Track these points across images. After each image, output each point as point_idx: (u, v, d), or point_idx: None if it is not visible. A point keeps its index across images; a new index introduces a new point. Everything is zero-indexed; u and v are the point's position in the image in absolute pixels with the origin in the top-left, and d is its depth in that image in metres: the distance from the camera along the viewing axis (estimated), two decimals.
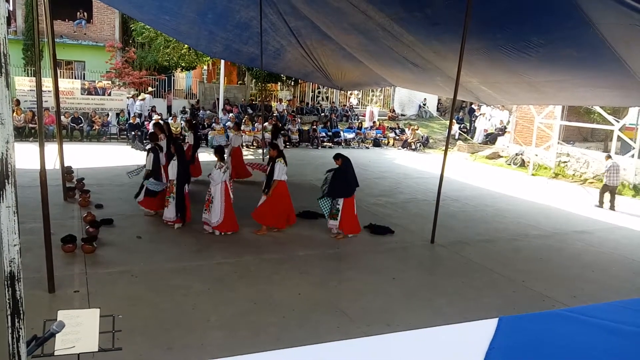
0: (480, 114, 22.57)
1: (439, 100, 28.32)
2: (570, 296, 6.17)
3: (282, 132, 13.01)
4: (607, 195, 11.73)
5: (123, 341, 2.83)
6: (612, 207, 11.58)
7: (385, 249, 7.66)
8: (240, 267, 6.45)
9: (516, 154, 17.94)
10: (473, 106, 23.99)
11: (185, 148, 10.12)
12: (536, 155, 16.87)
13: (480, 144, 21.13)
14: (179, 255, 6.73)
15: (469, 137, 22.24)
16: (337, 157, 8.13)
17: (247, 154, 17.31)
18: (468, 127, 23.49)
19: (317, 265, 6.68)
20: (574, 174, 15.74)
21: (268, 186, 7.89)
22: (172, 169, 7.98)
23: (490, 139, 21.11)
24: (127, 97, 19.64)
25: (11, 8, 21.70)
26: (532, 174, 16.33)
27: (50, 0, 8.20)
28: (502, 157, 18.99)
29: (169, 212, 7.97)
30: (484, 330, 2.16)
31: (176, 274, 6.05)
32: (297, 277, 6.23)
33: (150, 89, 21.46)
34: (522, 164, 17.46)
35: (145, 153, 9.09)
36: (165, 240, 7.33)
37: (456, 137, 21.76)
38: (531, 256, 7.75)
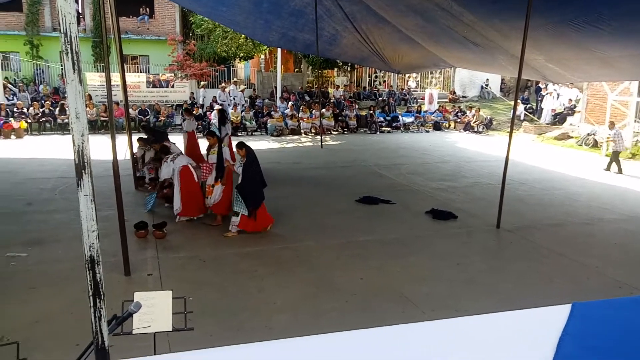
0: (547, 93, 21.43)
1: (502, 80, 27.18)
2: None
3: (227, 117, 12.59)
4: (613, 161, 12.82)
5: (194, 322, 2.96)
6: (619, 171, 12.57)
7: (448, 234, 7.50)
8: (301, 252, 6.54)
9: (588, 134, 16.93)
10: (539, 85, 22.82)
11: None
12: (610, 135, 15.84)
13: (547, 124, 20.11)
14: (243, 241, 6.92)
15: (535, 118, 21.23)
16: (240, 146, 7.10)
17: (306, 141, 17.46)
18: (534, 107, 22.40)
19: (378, 251, 6.66)
20: None
21: (221, 174, 7.51)
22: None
23: (559, 119, 20.03)
24: (221, 89, 21.07)
25: (80, 8, 22.91)
26: (606, 155, 15.37)
27: None
28: (572, 137, 17.98)
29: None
30: (556, 316, 2.08)
31: (241, 259, 6.24)
32: (358, 262, 6.24)
33: (235, 78, 22.25)
34: (595, 145, 16.46)
35: None
36: (228, 226, 7.53)
37: (522, 118, 20.84)
38: (605, 241, 7.33)
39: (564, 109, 20.33)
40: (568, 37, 7.96)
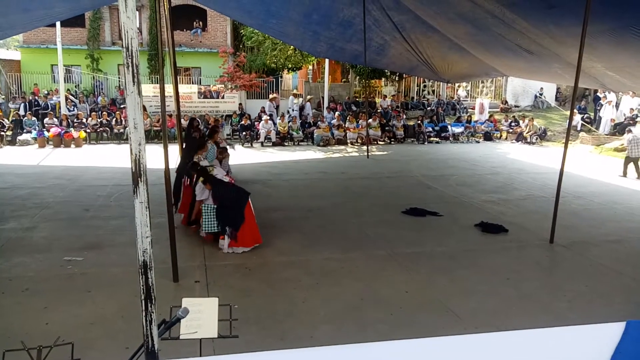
0: (607, 102, 20.48)
1: (557, 89, 26.25)
2: None
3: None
4: (631, 167, 13.00)
5: (239, 329, 2.98)
6: (639, 177, 12.74)
7: (498, 248, 7.26)
8: (347, 262, 6.50)
9: None
10: (598, 94, 21.86)
11: None
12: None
13: (606, 135, 19.21)
14: (288, 250, 6.96)
15: (593, 128, 20.33)
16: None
17: (352, 152, 17.44)
18: (592, 117, 21.45)
19: (424, 264, 6.53)
20: None
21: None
22: None
23: (619, 129, 19.08)
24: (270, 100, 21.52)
25: (138, 23, 23.99)
26: None
27: (171, 13, 8.91)
28: None
29: None
30: (609, 334, 1.97)
31: (286, 268, 6.27)
32: (404, 275, 6.14)
33: (295, 91, 22.73)
34: None
35: None
36: (274, 235, 7.61)
37: (578, 129, 20.00)
38: None
39: (625, 118, 19.37)
40: (629, 43, 7.60)
